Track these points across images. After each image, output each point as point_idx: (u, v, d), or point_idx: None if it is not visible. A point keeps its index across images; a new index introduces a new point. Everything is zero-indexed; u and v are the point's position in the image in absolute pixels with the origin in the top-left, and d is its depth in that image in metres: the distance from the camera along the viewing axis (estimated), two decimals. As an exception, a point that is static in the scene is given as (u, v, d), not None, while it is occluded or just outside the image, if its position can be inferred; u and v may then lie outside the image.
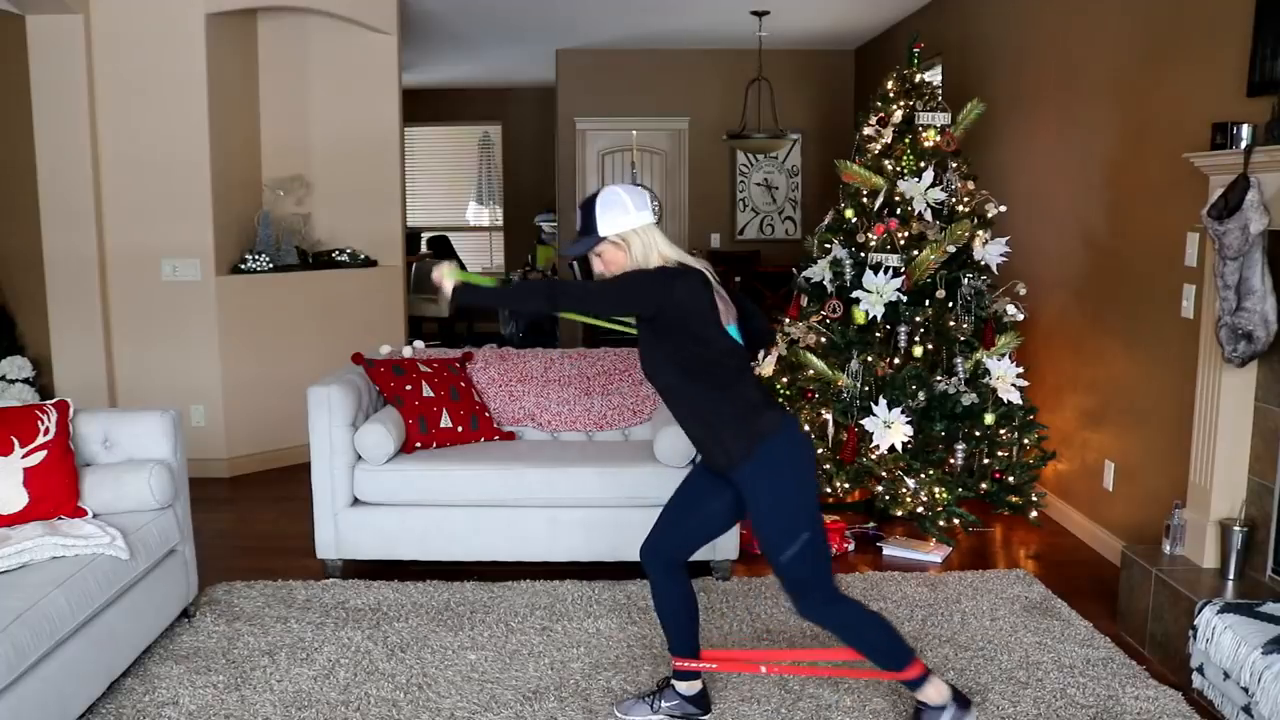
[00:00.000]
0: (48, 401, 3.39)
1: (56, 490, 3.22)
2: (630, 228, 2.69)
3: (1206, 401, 3.51)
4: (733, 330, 2.75)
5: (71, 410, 3.43)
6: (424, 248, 11.28)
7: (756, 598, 3.92)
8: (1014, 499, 4.77)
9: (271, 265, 5.75)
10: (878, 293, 4.69)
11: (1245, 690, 2.83)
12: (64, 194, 5.32)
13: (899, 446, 4.54)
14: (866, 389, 4.70)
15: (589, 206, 2.71)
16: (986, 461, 4.78)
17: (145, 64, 5.34)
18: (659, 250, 2.71)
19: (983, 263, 4.81)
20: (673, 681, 3.03)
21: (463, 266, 2.89)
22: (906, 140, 4.89)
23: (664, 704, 3.03)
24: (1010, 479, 4.75)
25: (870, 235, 4.84)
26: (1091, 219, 4.65)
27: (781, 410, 2.80)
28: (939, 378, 4.70)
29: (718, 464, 2.78)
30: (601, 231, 2.69)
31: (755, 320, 2.87)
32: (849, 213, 4.99)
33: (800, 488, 2.73)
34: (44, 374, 5.50)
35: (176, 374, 5.54)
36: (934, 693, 2.83)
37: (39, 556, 2.96)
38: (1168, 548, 3.63)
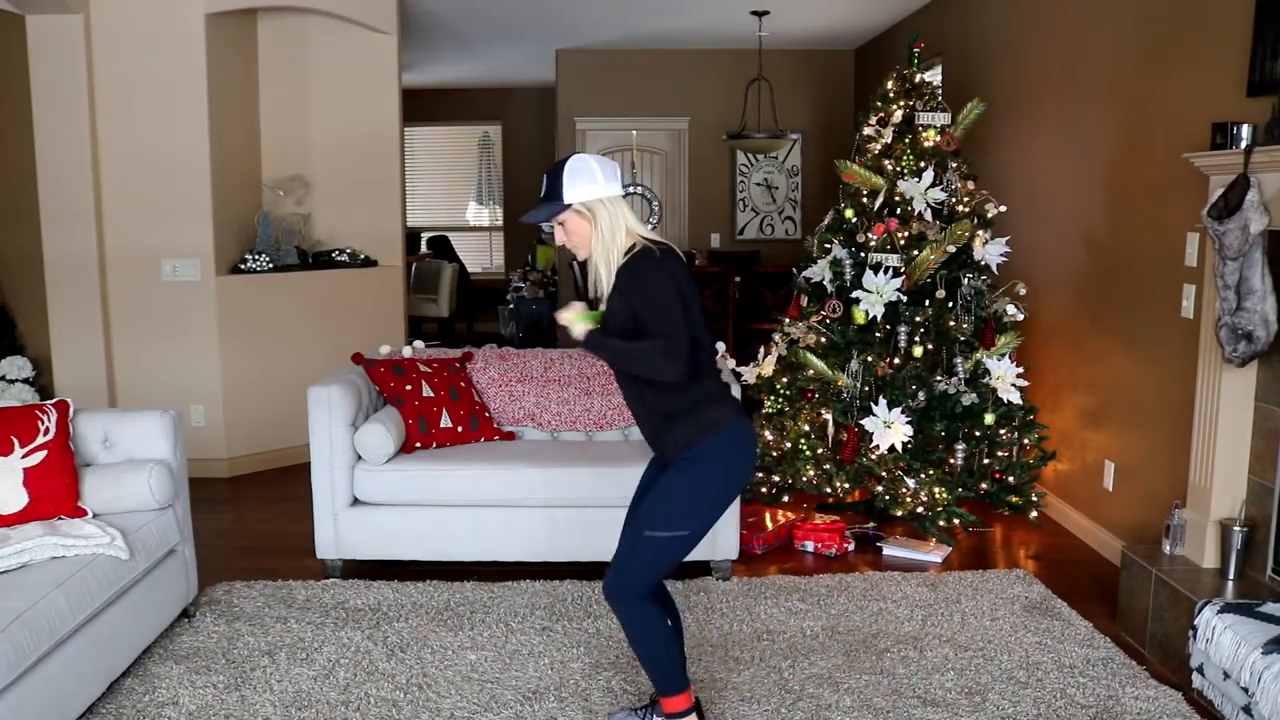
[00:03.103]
0: (48, 401, 3.39)
1: (56, 490, 3.22)
2: (597, 197, 2.56)
3: (1206, 401, 3.51)
4: None
5: (71, 410, 3.43)
6: (424, 248, 11.27)
7: (756, 598, 3.92)
8: (1014, 499, 4.77)
9: (271, 265, 5.75)
10: (878, 293, 4.69)
11: (1245, 690, 2.83)
12: (64, 194, 5.32)
13: (899, 446, 4.54)
14: (866, 389, 4.70)
15: (556, 172, 2.58)
16: (986, 461, 4.78)
17: (145, 64, 5.33)
18: (626, 225, 2.59)
19: (983, 263, 4.81)
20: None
21: (592, 306, 2.69)
22: (906, 140, 4.89)
23: (656, 718, 2.93)
24: (1010, 479, 4.75)
25: (870, 235, 4.84)
26: (1091, 219, 4.65)
27: (737, 406, 2.74)
28: (939, 378, 4.70)
29: (667, 453, 2.70)
30: (566, 198, 2.56)
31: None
32: (849, 213, 4.99)
33: (720, 490, 2.68)
34: (44, 374, 5.50)
35: (176, 374, 5.54)
36: None
37: (39, 556, 2.95)
38: (1168, 548, 3.63)
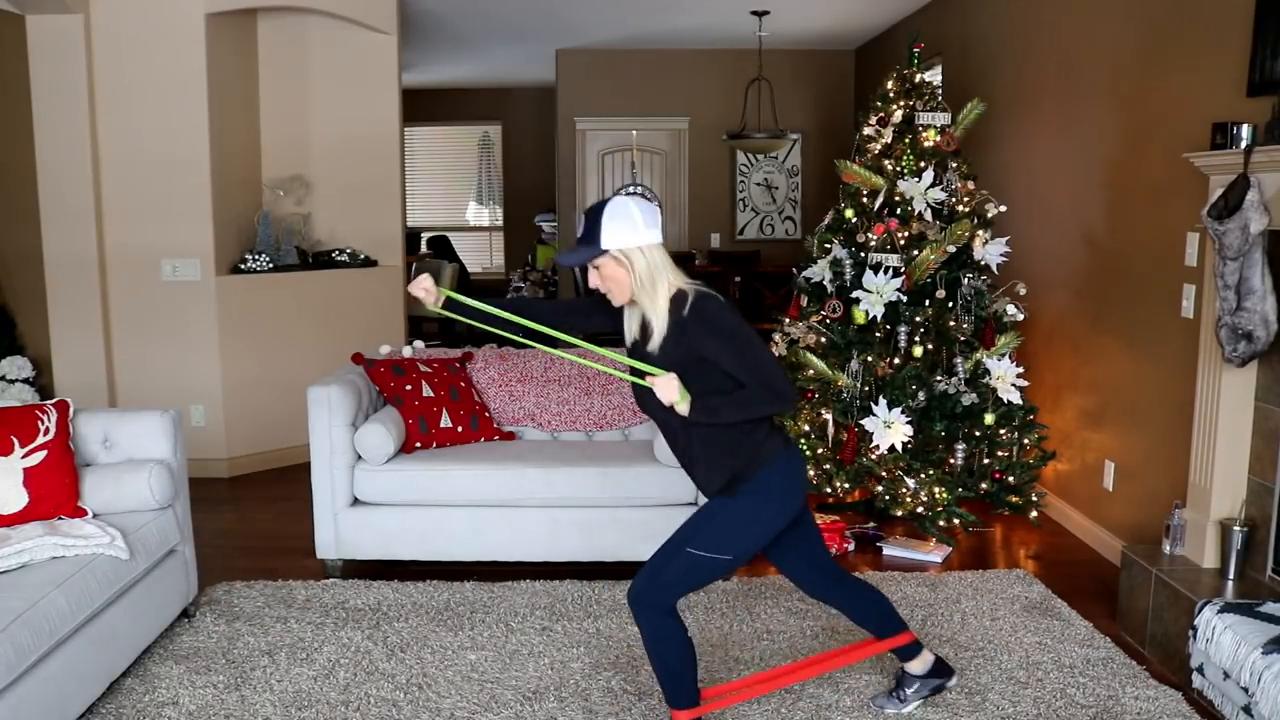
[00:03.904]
0: (48, 401, 3.39)
1: (56, 490, 3.22)
2: (635, 245, 2.51)
3: (1206, 401, 3.51)
4: None
5: (71, 410, 3.43)
6: (424, 248, 11.28)
7: (756, 598, 3.92)
8: (1014, 499, 4.77)
9: (271, 265, 5.75)
10: (878, 293, 4.69)
11: (1245, 690, 2.83)
12: (64, 194, 5.32)
13: (899, 446, 4.54)
14: (866, 389, 4.70)
15: (595, 214, 2.53)
16: (986, 461, 4.78)
17: (145, 64, 5.34)
18: (666, 275, 2.53)
19: (983, 263, 4.81)
20: (904, 668, 3.07)
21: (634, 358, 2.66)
22: (906, 140, 4.89)
23: (906, 690, 3.04)
24: (1010, 479, 4.75)
25: (870, 235, 4.84)
26: (1091, 219, 4.65)
27: (784, 436, 2.71)
28: (939, 378, 4.70)
29: (713, 488, 2.68)
30: (604, 244, 2.51)
31: None
32: (849, 213, 4.99)
33: (770, 520, 2.66)
34: (44, 374, 5.50)
35: (176, 374, 5.54)
36: None
37: (39, 556, 2.95)
38: (1168, 548, 3.63)
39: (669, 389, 2.51)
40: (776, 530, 2.70)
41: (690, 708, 2.76)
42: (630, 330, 2.66)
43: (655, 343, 2.56)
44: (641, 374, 2.59)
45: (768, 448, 2.64)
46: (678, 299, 2.54)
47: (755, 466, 2.63)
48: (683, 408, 2.53)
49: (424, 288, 2.70)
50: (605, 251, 2.52)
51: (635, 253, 2.52)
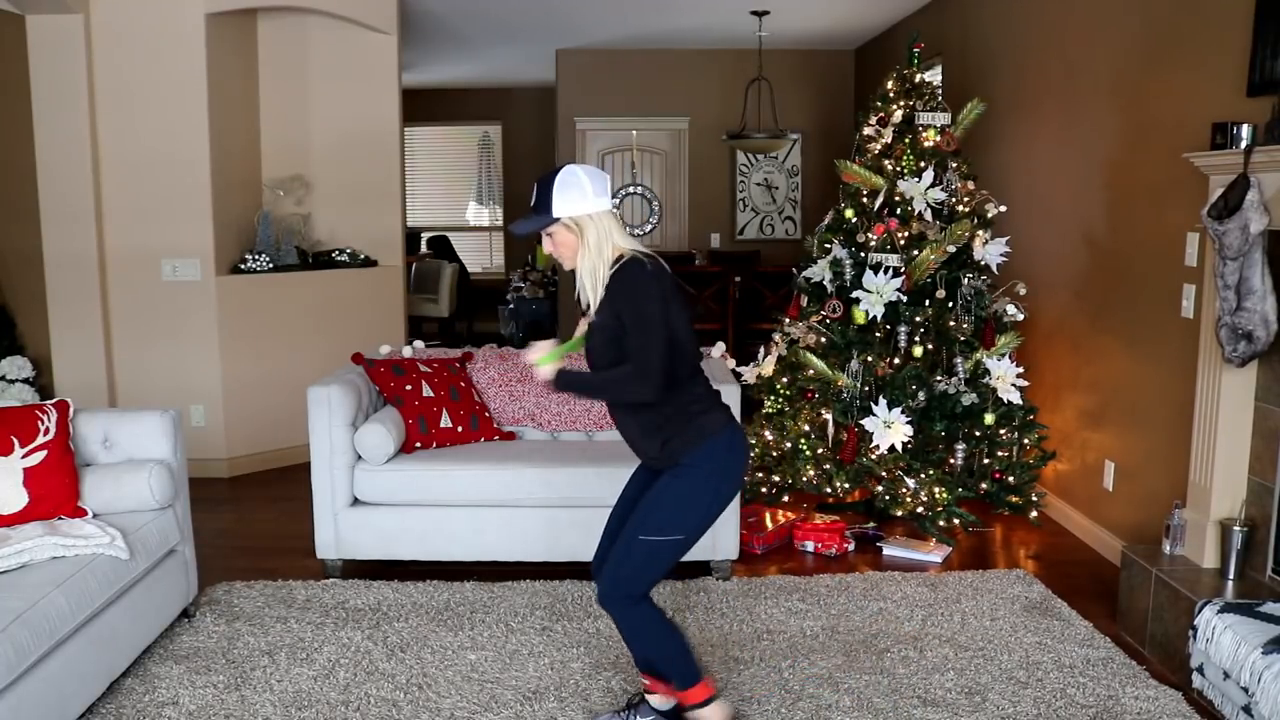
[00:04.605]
0: (48, 401, 3.39)
1: (56, 490, 3.22)
2: (585, 212, 2.58)
3: (1206, 401, 3.51)
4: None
5: (71, 410, 3.43)
6: (424, 248, 11.27)
7: (756, 598, 3.92)
8: (1014, 499, 4.77)
9: (271, 265, 5.75)
10: (878, 293, 4.69)
11: (1245, 690, 2.83)
12: (64, 194, 5.32)
13: (899, 446, 4.54)
14: (866, 389, 4.70)
15: (546, 184, 2.60)
16: (986, 461, 4.78)
17: (145, 64, 5.34)
18: (613, 240, 2.61)
19: (983, 263, 4.81)
20: (646, 695, 2.95)
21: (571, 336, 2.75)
22: (906, 140, 4.89)
23: (639, 719, 2.94)
24: (1010, 479, 4.75)
25: (870, 235, 4.84)
26: (1091, 219, 4.65)
27: (727, 411, 2.75)
28: (939, 378, 4.70)
29: (657, 461, 2.71)
30: (555, 212, 2.58)
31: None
32: (849, 213, 4.99)
33: (714, 495, 2.68)
34: (44, 374, 5.50)
35: (176, 374, 5.54)
36: (713, 716, 2.77)
37: (39, 556, 2.95)
38: (1168, 548, 3.63)
39: (535, 351, 2.65)
40: (722, 505, 2.71)
41: (697, 681, 2.75)
42: (584, 295, 2.68)
43: (591, 305, 2.64)
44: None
45: (706, 421, 2.66)
46: (617, 263, 2.61)
47: (695, 439, 2.64)
48: (545, 371, 2.63)
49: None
50: (557, 220, 2.60)
51: (586, 220, 2.60)
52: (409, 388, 4.29)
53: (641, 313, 2.56)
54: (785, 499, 4.94)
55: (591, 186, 2.60)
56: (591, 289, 2.62)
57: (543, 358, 2.64)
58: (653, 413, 2.66)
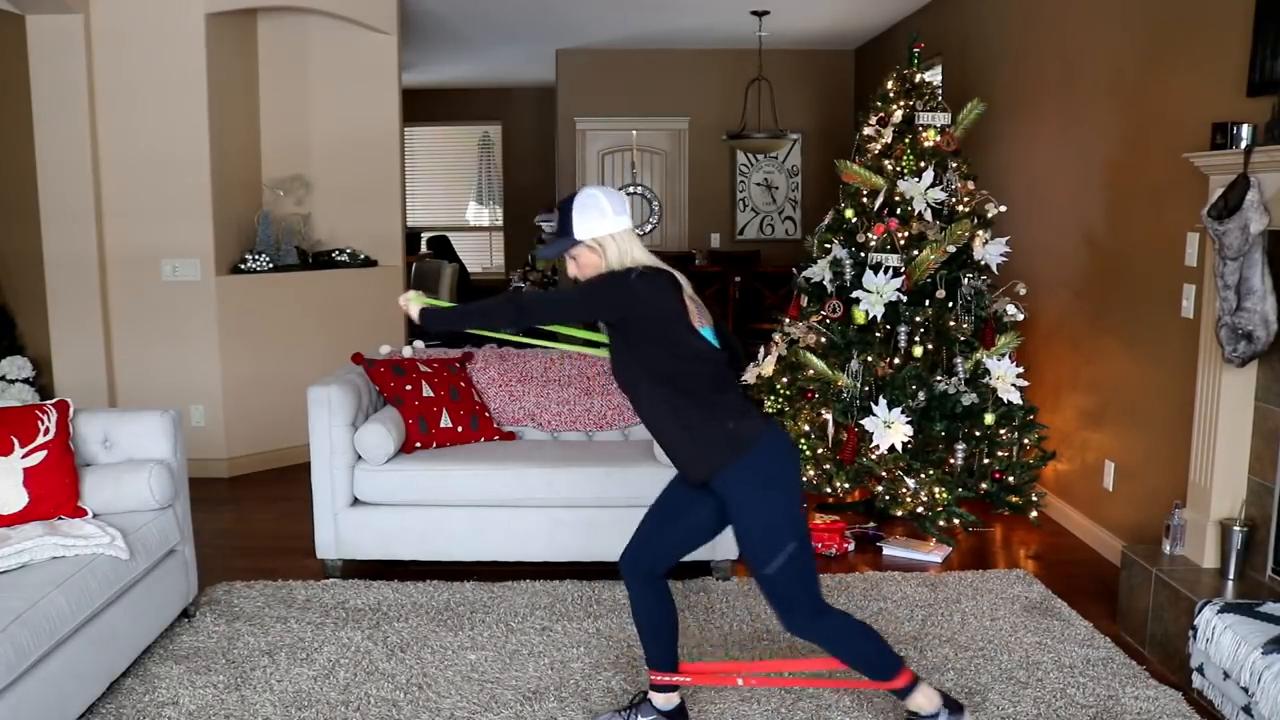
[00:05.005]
0: (48, 401, 3.39)
1: (56, 490, 3.22)
2: (606, 232, 2.63)
3: (1206, 401, 3.51)
4: (708, 333, 2.68)
5: (71, 410, 3.43)
6: (424, 248, 11.27)
7: (756, 598, 3.92)
8: (1014, 499, 4.77)
9: (271, 265, 5.75)
10: (878, 293, 4.69)
11: (1245, 690, 2.83)
12: (64, 194, 5.32)
13: (899, 446, 4.53)
14: (866, 389, 4.70)
15: (566, 208, 2.66)
16: (986, 461, 4.78)
17: (145, 64, 5.33)
18: (634, 257, 2.65)
19: (983, 263, 4.81)
20: (650, 695, 2.95)
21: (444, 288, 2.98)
22: (906, 140, 4.89)
23: (640, 718, 2.94)
24: (1010, 479, 4.75)
25: (870, 235, 4.84)
26: (1091, 219, 4.65)
27: (765, 418, 2.73)
28: (939, 378, 4.70)
29: (697, 475, 2.70)
30: (577, 235, 2.63)
31: (731, 344, 2.80)
32: (849, 213, 4.99)
33: (784, 498, 2.67)
34: (44, 374, 5.50)
35: (176, 374, 5.54)
36: (924, 700, 2.78)
37: (39, 556, 2.95)
38: (1168, 548, 3.63)
39: (406, 296, 2.80)
40: (797, 499, 2.70)
41: (902, 668, 2.77)
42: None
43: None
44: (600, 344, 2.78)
45: (742, 432, 2.64)
46: None
47: (734, 455, 2.62)
48: (414, 309, 2.76)
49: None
50: (580, 242, 2.64)
51: (607, 239, 2.65)
52: (409, 388, 4.29)
53: (595, 285, 2.63)
54: (785, 499, 4.93)
55: (610, 206, 2.65)
56: None
57: (412, 297, 2.79)
58: (689, 423, 2.65)
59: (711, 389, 2.67)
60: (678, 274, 2.70)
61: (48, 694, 2.72)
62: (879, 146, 4.96)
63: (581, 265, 2.69)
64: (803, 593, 2.69)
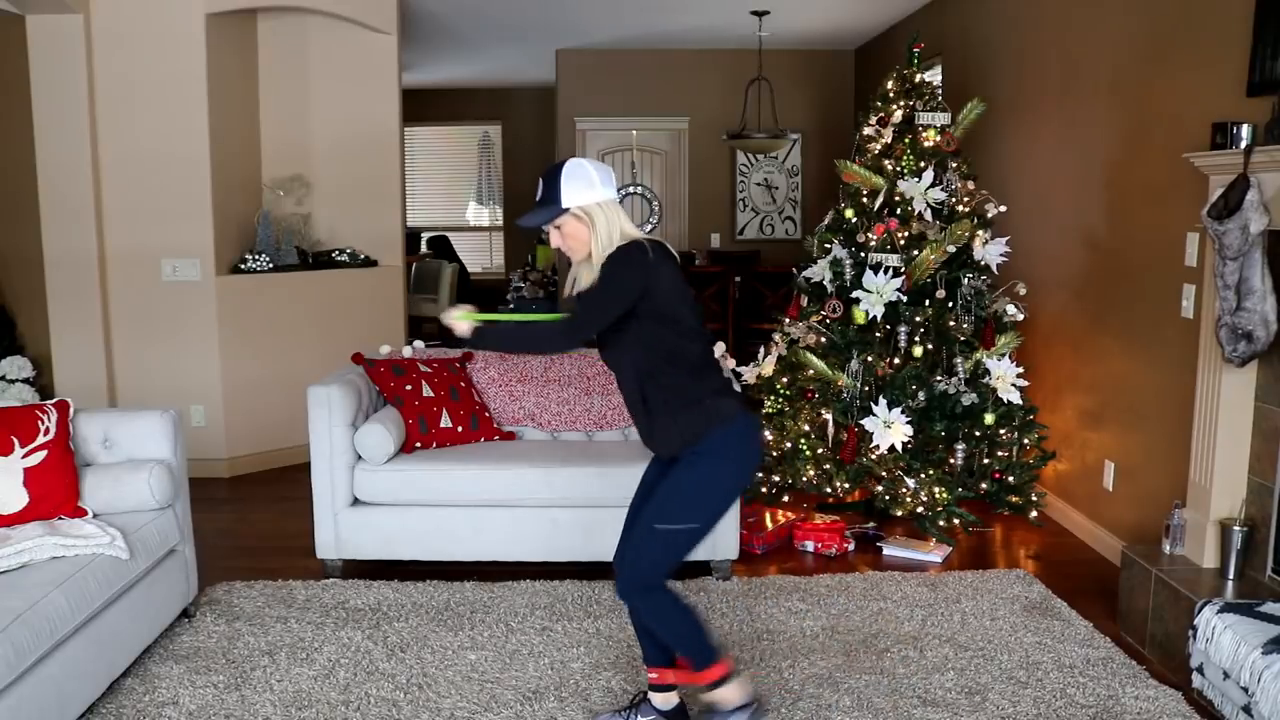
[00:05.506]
0: (48, 401, 3.38)
1: (56, 490, 3.22)
2: (594, 201, 2.57)
3: (1206, 401, 3.51)
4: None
5: (71, 410, 3.43)
6: (424, 248, 11.28)
7: (756, 598, 3.92)
8: (1014, 499, 4.77)
9: (271, 265, 5.75)
10: (878, 293, 4.69)
11: (1245, 690, 2.83)
12: (64, 194, 5.32)
13: (899, 446, 4.54)
14: (866, 389, 4.70)
15: (553, 176, 2.58)
16: (986, 461, 4.78)
17: (145, 64, 5.33)
18: (622, 228, 2.59)
19: (983, 263, 4.81)
20: (649, 695, 2.94)
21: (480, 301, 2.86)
22: (906, 140, 4.89)
23: (640, 718, 2.93)
24: (1010, 479, 4.75)
25: (870, 235, 4.84)
26: (1091, 219, 4.65)
27: (740, 399, 2.74)
28: (939, 378, 4.70)
29: (669, 448, 2.69)
30: (564, 203, 2.56)
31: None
32: (849, 213, 4.99)
33: (729, 481, 2.67)
34: (44, 374, 5.50)
35: (176, 374, 5.54)
36: (732, 695, 2.77)
37: (39, 556, 2.95)
38: (1168, 548, 3.63)
39: (455, 310, 2.64)
40: (738, 491, 2.70)
41: (716, 660, 2.75)
42: (580, 282, 2.67)
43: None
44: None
45: (720, 408, 2.64)
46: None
47: (708, 426, 2.62)
48: (462, 328, 2.62)
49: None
50: (566, 210, 2.58)
51: (595, 209, 2.59)
52: (409, 388, 4.29)
53: (611, 277, 2.55)
54: (785, 499, 4.94)
55: (598, 176, 2.59)
56: (589, 279, 2.61)
57: (460, 315, 2.65)
58: (669, 397, 2.64)
59: (698, 366, 2.67)
60: (668, 244, 2.67)
61: (48, 694, 2.72)
62: (879, 146, 4.96)
63: (567, 235, 2.62)
64: (660, 566, 2.68)
